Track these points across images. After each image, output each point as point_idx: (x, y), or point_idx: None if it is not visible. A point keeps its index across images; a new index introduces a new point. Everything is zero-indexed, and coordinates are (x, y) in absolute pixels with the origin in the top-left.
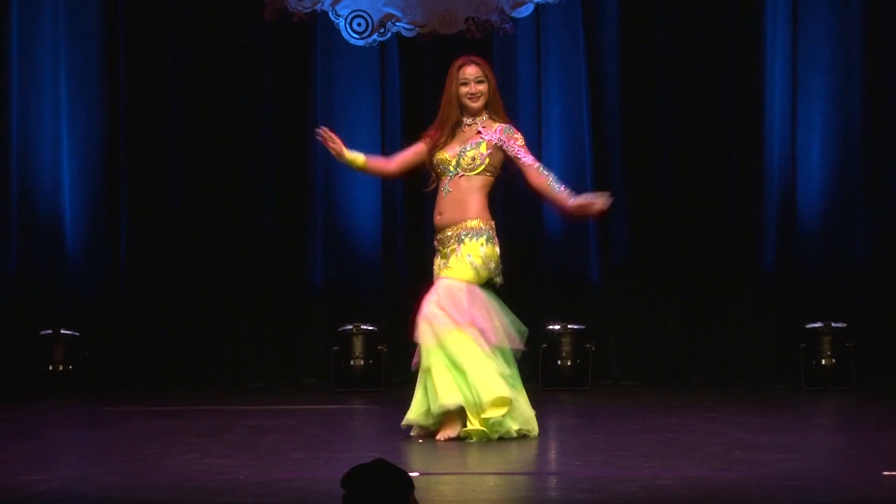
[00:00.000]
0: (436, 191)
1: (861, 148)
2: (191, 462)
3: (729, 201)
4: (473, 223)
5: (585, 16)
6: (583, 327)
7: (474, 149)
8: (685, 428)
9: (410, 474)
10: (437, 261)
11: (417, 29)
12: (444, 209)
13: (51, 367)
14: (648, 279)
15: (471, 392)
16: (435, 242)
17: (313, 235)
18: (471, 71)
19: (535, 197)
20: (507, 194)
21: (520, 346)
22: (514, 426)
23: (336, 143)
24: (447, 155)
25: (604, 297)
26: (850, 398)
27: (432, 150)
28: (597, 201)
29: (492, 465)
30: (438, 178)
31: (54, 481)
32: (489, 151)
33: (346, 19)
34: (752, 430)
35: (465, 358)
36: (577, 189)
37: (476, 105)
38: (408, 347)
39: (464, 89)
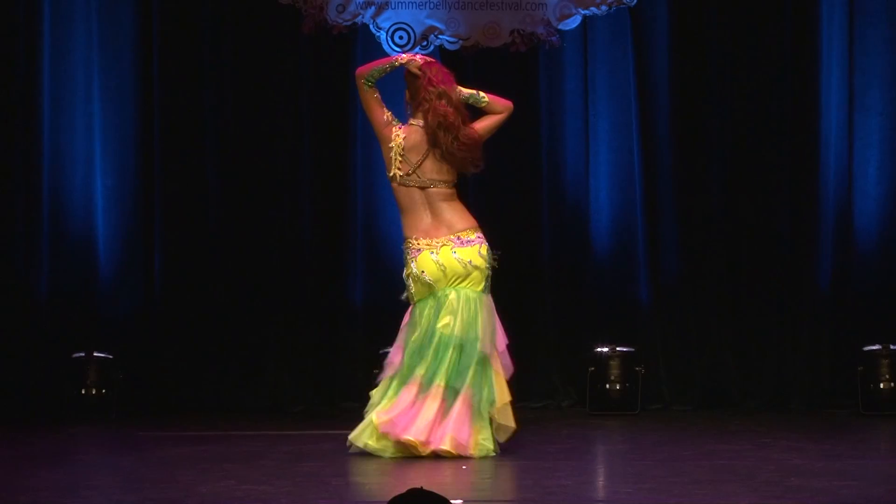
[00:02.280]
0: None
1: None
2: (226, 489)
3: (783, 219)
4: None
5: (634, 28)
6: (632, 350)
7: None
8: (738, 454)
9: (453, 502)
10: None
11: (461, 42)
12: None
13: (83, 391)
14: (699, 300)
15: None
16: None
17: (353, 255)
18: None
19: (583, 213)
20: (554, 211)
21: None
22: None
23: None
24: None
25: (653, 319)
26: None
27: None
28: None
29: (536, 491)
30: None
31: None
32: None
33: (387, 32)
34: (808, 457)
35: None
36: (626, 207)
37: None
38: None
39: None
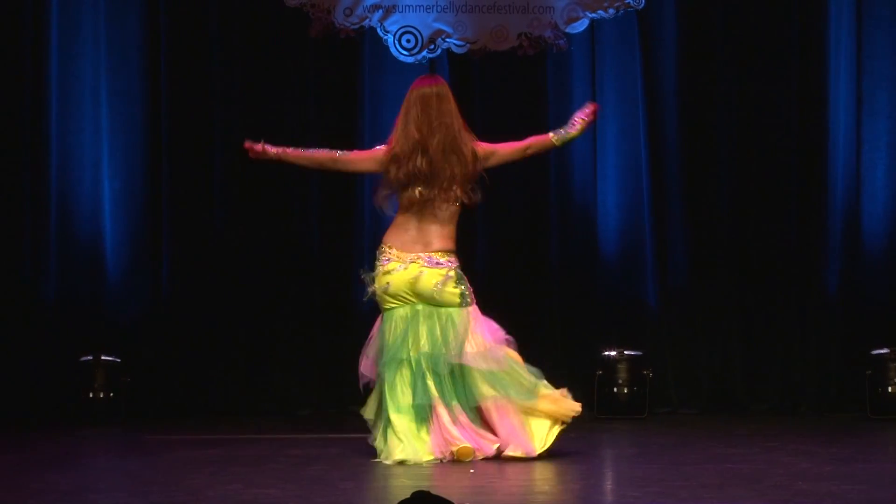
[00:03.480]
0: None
1: None
2: (234, 493)
3: (791, 222)
4: None
5: (642, 31)
6: (640, 353)
7: None
8: (746, 458)
9: None
10: None
11: (468, 45)
12: None
13: (91, 395)
14: (707, 303)
15: None
16: None
17: (360, 258)
18: None
19: (591, 217)
20: (562, 215)
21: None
22: None
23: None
24: None
25: (661, 322)
26: None
27: None
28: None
29: (543, 494)
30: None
31: None
32: None
33: (394, 35)
34: (816, 461)
35: None
36: (634, 211)
37: None
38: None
39: None
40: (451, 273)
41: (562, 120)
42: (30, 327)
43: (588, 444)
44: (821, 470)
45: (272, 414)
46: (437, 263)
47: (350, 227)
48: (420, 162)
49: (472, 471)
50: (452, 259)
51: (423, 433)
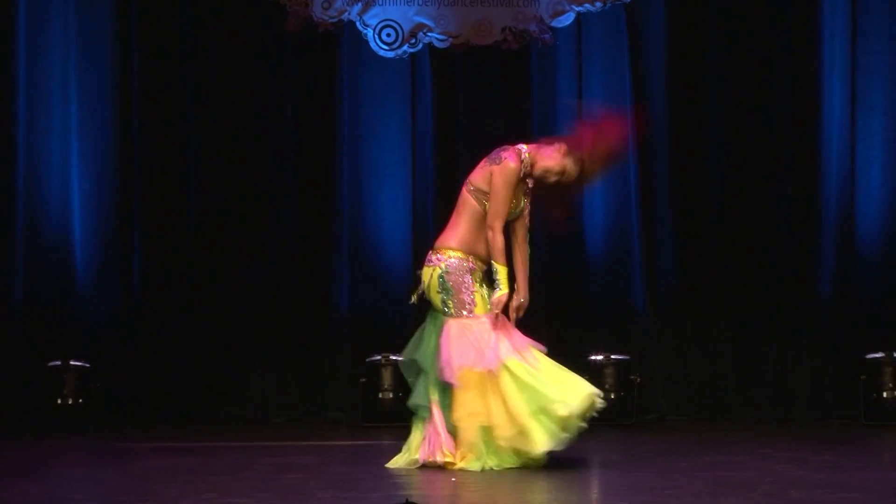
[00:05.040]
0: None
1: None
2: (208, 502)
3: (783, 223)
4: None
5: (630, 25)
6: (627, 358)
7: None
8: (737, 465)
9: None
10: (484, 288)
11: (450, 40)
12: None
13: (59, 401)
14: (697, 306)
15: None
16: (479, 272)
17: (339, 260)
18: None
19: (577, 221)
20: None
21: None
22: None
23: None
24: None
25: (649, 326)
26: None
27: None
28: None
29: None
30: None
31: None
32: None
33: (374, 29)
34: (809, 468)
35: None
36: (621, 211)
37: None
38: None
39: None
40: (438, 272)
41: (547, 117)
42: None
43: (574, 452)
44: (814, 478)
45: (247, 420)
46: (428, 261)
47: (329, 227)
48: None
49: (453, 479)
50: (442, 256)
51: (418, 433)
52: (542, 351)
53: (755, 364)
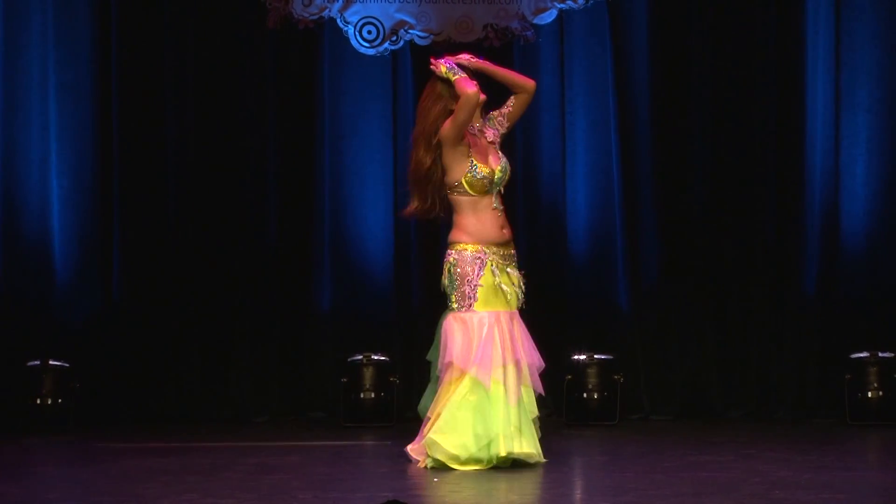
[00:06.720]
0: (473, 207)
1: None
2: (189, 502)
3: (767, 221)
4: None
5: (613, 22)
6: (610, 357)
7: (507, 162)
8: (721, 466)
9: None
10: (500, 278)
11: (432, 37)
12: (504, 224)
13: (38, 401)
14: (680, 306)
15: None
16: (495, 258)
17: (320, 259)
18: None
19: (559, 215)
20: (529, 213)
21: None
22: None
23: None
24: (489, 169)
25: (633, 325)
26: None
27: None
28: None
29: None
30: (478, 194)
31: None
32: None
33: (355, 27)
34: (794, 468)
35: None
36: (604, 209)
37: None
38: (421, 379)
39: None
40: (447, 266)
41: (529, 115)
42: None
43: (557, 452)
44: (799, 478)
45: (228, 421)
46: (444, 257)
47: (310, 225)
48: None
49: (435, 479)
50: (452, 251)
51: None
52: (539, 368)
53: (739, 364)
